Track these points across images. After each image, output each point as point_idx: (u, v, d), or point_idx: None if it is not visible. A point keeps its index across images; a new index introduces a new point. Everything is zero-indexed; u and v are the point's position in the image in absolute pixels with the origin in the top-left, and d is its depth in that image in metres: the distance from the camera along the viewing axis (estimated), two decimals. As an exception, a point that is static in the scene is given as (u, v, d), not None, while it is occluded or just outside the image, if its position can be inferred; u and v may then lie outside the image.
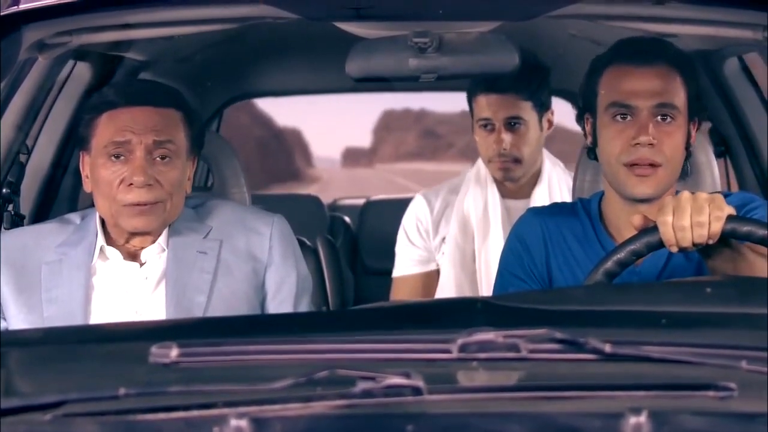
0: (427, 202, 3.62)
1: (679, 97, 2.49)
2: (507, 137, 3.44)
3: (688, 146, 2.53)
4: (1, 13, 2.33)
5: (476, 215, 3.51)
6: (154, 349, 1.47)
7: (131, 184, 2.50)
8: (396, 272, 3.67)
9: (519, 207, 3.37)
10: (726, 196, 2.51)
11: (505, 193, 3.54)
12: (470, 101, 3.55)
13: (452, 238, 3.52)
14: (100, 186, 2.55)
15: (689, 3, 2.37)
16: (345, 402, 1.36)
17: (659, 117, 2.47)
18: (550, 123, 3.58)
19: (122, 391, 1.37)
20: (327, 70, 4.39)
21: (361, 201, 6.35)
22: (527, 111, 3.47)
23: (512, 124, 3.44)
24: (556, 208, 2.70)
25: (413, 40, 2.52)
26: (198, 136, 2.66)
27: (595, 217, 2.59)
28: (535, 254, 2.60)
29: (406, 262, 3.63)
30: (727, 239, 2.17)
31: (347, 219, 5.74)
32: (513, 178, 3.51)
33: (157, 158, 2.54)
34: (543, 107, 3.52)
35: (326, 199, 6.11)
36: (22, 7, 2.32)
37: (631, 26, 2.57)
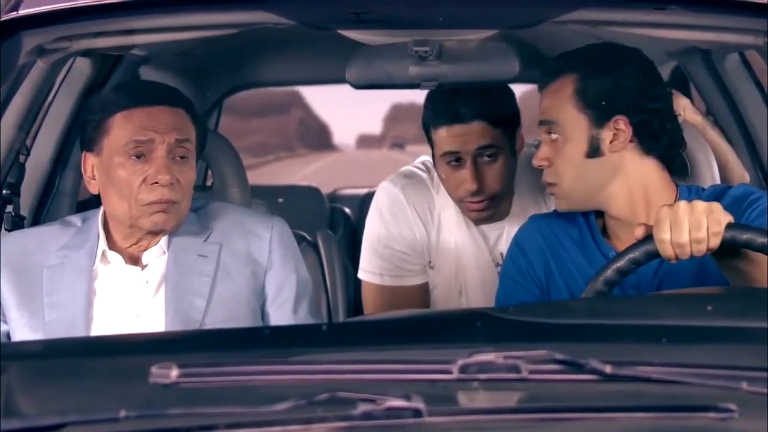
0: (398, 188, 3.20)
1: (560, 111, 2.47)
2: (480, 173, 2.99)
3: (596, 151, 2.47)
4: (1, 19, 2.32)
5: (453, 248, 3.16)
6: (155, 369, 1.47)
7: (155, 182, 2.49)
8: (384, 281, 3.22)
9: (495, 229, 3.13)
10: (728, 188, 2.51)
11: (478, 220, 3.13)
12: (428, 132, 3.07)
13: (437, 271, 3.20)
14: (117, 186, 2.53)
15: (689, 8, 2.36)
16: (345, 424, 1.36)
17: (549, 135, 2.49)
18: (522, 140, 3.11)
19: (123, 413, 1.37)
20: (327, 60, 4.38)
21: (361, 191, 6.36)
22: (499, 137, 3.00)
23: (484, 155, 2.99)
24: (555, 216, 2.70)
25: (413, 48, 2.52)
26: (203, 136, 2.66)
27: (593, 223, 2.59)
28: (534, 260, 2.61)
29: (394, 269, 3.20)
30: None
31: (347, 210, 5.74)
32: (490, 218, 3.11)
33: (177, 157, 2.53)
34: (515, 126, 3.07)
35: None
36: (22, 12, 2.31)
37: (632, 32, 2.57)
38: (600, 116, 2.45)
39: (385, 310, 3.19)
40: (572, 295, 2.54)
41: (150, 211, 2.51)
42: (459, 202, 3.08)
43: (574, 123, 2.46)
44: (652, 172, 2.52)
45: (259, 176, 21.26)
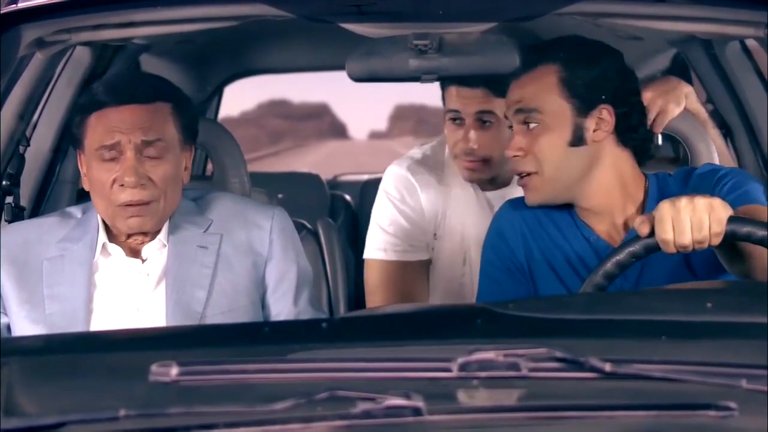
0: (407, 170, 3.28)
1: (543, 99, 2.49)
2: (476, 134, 3.12)
3: (579, 139, 2.49)
4: (1, 12, 2.32)
5: (459, 215, 3.24)
6: (154, 368, 1.47)
7: (123, 184, 2.49)
8: (389, 255, 3.26)
9: (499, 196, 3.16)
10: (694, 169, 2.53)
11: (483, 185, 3.24)
12: (443, 91, 3.24)
13: (441, 239, 3.26)
14: (95, 186, 2.54)
15: (690, 0, 2.35)
16: (345, 423, 1.36)
17: (526, 125, 2.51)
18: None
19: (122, 412, 1.37)
20: (328, 48, 4.38)
21: (362, 177, 6.35)
22: (500, 107, 2.99)
23: (483, 120, 3.12)
24: None
25: (413, 42, 2.52)
26: (190, 125, 2.63)
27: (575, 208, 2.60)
28: (514, 245, 2.62)
29: (399, 243, 3.25)
30: None
31: (347, 197, 5.74)
32: (480, 180, 3.22)
33: (148, 156, 2.51)
34: None
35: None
36: (21, 5, 2.31)
37: (632, 24, 2.56)
38: (585, 105, 2.49)
39: (385, 286, 3.24)
40: (557, 276, 2.56)
41: (125, 215, 2.51)
42: (455, 158, 3.20)
43: (558, 111, 2.49)
44: (626, 163, 2.56)
45: (305, 150, 36.20)
